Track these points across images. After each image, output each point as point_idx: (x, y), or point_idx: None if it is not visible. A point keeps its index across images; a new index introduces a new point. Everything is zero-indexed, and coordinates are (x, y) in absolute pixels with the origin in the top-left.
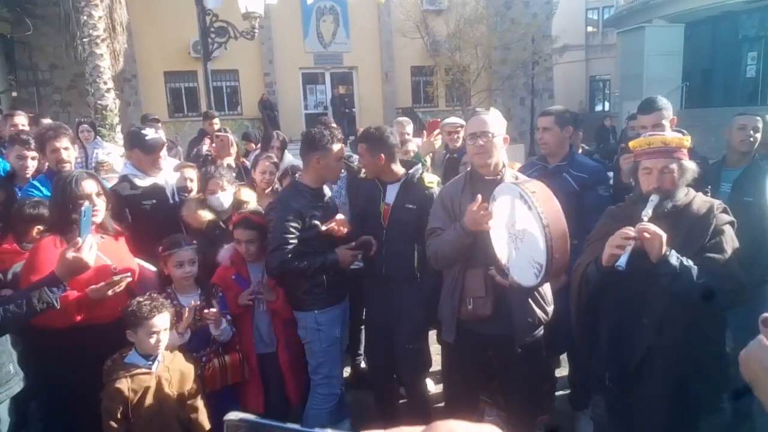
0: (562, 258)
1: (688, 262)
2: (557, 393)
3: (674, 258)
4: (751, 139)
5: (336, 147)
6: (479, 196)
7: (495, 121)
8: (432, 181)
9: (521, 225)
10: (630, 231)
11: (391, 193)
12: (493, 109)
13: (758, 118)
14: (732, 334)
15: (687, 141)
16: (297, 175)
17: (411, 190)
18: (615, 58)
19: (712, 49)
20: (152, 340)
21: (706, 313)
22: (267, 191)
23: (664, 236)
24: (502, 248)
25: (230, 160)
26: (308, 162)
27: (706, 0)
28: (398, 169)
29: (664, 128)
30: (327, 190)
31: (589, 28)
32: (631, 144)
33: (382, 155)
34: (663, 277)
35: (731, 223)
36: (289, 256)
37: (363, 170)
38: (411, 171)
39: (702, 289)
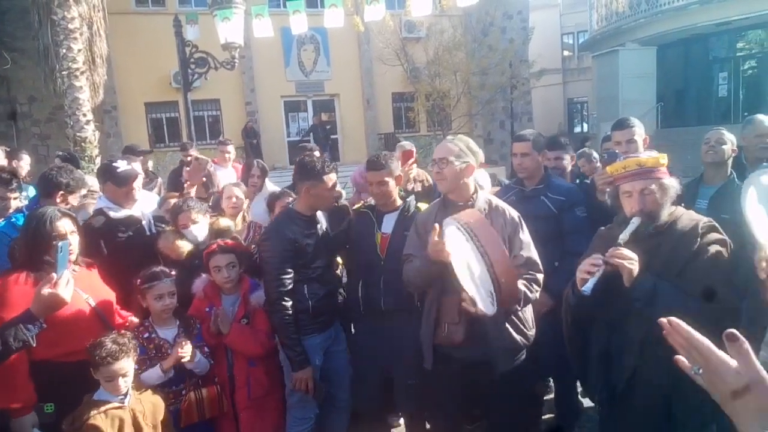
0: (509, 281)
1: (663, 285)
2: (544, 416)
3: (648, 281)
4: (715, 150)
5: (328, 177)
6: (436, 226)
7: (458, 148)
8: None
9: (470, 257)
10: (598, 257)
11: (389, 223)
12: (462, 136)
13: (722, 131)
14: None
15: (663, 159)
16: (291, 201)
17: (409, 218)
18: (591, 81)
19: (685, 70)
20: (110, 384)
21: None
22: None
23: (636, 260)
24: (466, 281)
25: (239, 192)
26: (300, 189)
27: (677, 23)
28: (397, 197)
29: (636, 144)
30: (323, 220)
31: (565, 52)
32: (608, 168)
33: (401, 176)
34: (636, 300)
35: (721, 242)
36: (286, 296)
37: (345, 199)
38: (408, 199)
39: (703, 291)
